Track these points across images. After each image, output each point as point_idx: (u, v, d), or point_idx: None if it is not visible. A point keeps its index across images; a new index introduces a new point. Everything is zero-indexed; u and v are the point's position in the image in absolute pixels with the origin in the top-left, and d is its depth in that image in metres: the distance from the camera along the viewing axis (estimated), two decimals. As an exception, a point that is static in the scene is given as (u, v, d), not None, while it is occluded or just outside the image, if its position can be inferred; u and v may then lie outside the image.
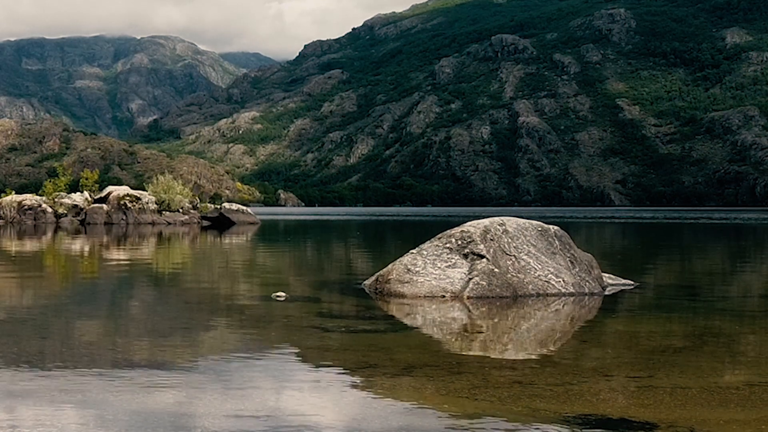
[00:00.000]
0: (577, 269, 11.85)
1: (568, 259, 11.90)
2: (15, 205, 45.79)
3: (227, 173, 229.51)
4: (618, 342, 8.07)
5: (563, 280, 11.42)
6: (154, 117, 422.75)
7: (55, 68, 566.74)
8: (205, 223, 47.38)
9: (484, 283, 10.83)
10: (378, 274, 11.84)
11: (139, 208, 45.84)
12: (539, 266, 11.40)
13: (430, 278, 11.04)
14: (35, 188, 64.11)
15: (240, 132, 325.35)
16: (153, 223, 44.93)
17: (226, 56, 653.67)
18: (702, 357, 7.14)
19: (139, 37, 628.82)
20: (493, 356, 7.27)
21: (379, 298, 11.05)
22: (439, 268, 11.16)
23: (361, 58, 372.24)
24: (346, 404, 5.41)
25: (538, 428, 4.84)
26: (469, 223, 11.73)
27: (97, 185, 53.19)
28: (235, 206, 50.14)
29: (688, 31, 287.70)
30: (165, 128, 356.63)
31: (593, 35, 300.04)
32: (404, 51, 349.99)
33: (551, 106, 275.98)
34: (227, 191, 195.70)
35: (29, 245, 25.87)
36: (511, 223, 11.85)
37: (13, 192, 49.98)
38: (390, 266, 11.71)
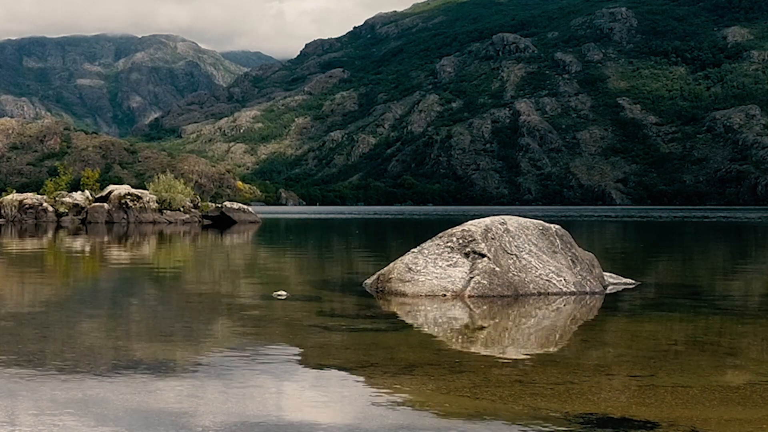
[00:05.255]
0: (578, 268, 11.84)
1: (569, 258, 11.89)
2: (16, 204, 45.79)
3: (228, 172, 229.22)
4: (619, 341, 8.07)
5: (564, 279, 11.42)
6: (155, 116, 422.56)
7: (56, 67, 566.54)
8: (206, 222, 47.38)
9: (486, 282, 10.82)
10: (379, 273, 11.84)
11: (140, 207, 45.84)
12: (540, 265, 11.39)
13: (432, 277, 11.03)
14: (36, 187, 64.13)
15: (241, 131, 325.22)
16: (154, 222, 44.93)
17: (227, 55, 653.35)
18: (703, 356, 7.13)
19: (140, 36, 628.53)
20: (494, 355, 7.26)
21: (380, 297, 11.04)
22: (440, 267, 11.15)
23: (362, 57, 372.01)
24: (347, 403, 5.41)
25: (539, 427, 4.84)
26: (470, 222, 11.72)
27: (98, 184, 53.22)
28: (236, 205, 50.12)
29: (689, 30, 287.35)
30: (166, 127, 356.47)
31: (594, 34, 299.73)
32: (405, 50, 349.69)
33: (552, 105, 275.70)
34: (228, 190, 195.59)
35: (30, 244, 25.88)
36: (513, 222, 11.85)
37: (14, 191, 49.94)
38: (391, 265, 11.70)
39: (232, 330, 8.61)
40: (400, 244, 23.65)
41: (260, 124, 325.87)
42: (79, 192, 49.50)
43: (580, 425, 4.87)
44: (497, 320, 9.32)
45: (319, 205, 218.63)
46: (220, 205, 50.23)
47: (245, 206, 50.86)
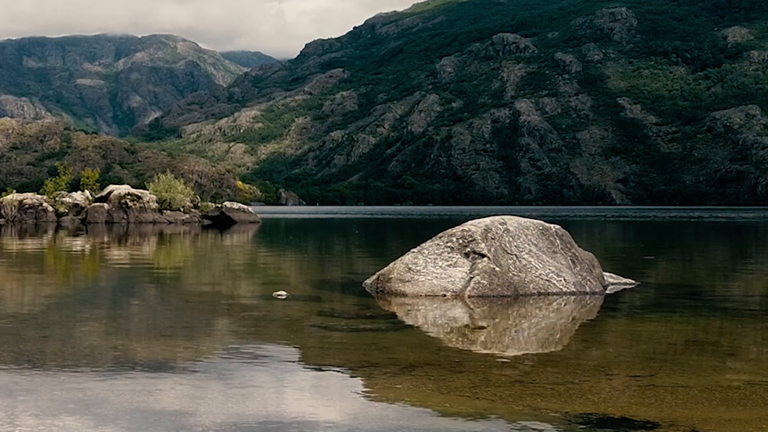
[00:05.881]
0: (578, 268, 11.83)
1: (569, 258, 11.89)
2: (16, 204, 45.80)
3: (228, 172, 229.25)
4: (619, 341, 8.06)
5: (564, 279, 11.41)
6: (155, 116, 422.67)
7: (57, 67, 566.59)
8: (206, 222, 47.38)
9: (485, 282, 10.82)
10: (379, 273, 11.83)
11: (140, 207, 45.84)
12: (540, 265, 11.39)
13: (431, 277, 11.03)
14: (36, 187, 64.12)
15: (241, 131, 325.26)
16: (154, 222, 44.93)
17: (227, 55, 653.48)
18: (703, 356, 7.13)
19: (140, 36, 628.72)
20: (494, 355, 7.26)
21: (380, 297, 11.04)
22: (440, 267, 11.15)
23: (362, 57, 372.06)
24: (347, 403, 5.41)
25: (539, 427, 4.83)
26: (470, 222, 11.72)
27: (98, 184, 53.23)
28: (236, 205, 50.12)
29: (689, 30, 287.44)
30: (166, 127, 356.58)
31: (594, 34, 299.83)
32: (405, 50, 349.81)
33: (552, 105, 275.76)
34: (228, 190, 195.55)
35: (30, 244, 25.87)
36: (513, 222, 11.84)
37: (14, 191, 49.96)
38: (391, 265, 11.69)
39: (232, 330, 8.61)
40: (400, 244, 23.65)
41: (260, 124, 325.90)
42: (79, 192, 49.50)
43: (580, 425, 4.87)
44: (497, 320, 9.32)
45: (319, 205, 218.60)
46: (220, 205, 50.23)
47: (245, 206, 50.86)
